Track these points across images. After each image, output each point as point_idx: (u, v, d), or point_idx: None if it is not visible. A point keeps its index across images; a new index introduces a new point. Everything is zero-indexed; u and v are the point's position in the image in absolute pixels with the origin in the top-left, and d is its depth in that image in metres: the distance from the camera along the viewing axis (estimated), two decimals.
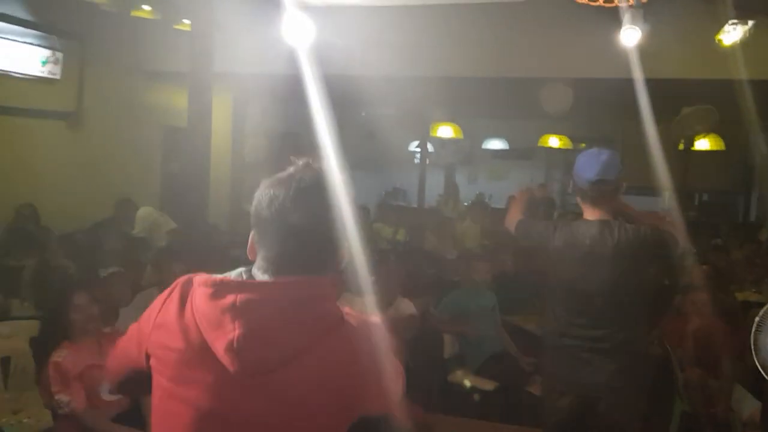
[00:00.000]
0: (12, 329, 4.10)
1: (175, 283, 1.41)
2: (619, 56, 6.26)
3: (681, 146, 8.37)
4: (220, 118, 7.21)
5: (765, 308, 3.08)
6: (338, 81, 5.90)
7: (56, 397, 3.07)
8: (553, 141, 10.74)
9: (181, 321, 1.34)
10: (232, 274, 1.39)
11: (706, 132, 7.51)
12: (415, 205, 8.95)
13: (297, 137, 10.72)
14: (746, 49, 5.36)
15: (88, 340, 3.29)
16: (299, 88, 7.58)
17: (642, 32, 4.73)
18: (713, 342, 4.18)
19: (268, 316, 1.29)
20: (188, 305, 1.35)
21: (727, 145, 8.41)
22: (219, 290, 1.31)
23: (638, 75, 6.31)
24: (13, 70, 6.47)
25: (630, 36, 4.09)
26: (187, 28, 5.78)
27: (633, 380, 2.91)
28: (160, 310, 1.40)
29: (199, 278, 1.35)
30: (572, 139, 11.24)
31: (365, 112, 9.66)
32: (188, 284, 1.39)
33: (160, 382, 1.38)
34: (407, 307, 4.39)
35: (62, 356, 3.17)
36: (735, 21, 5.08)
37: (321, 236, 1.36)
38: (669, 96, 6.31)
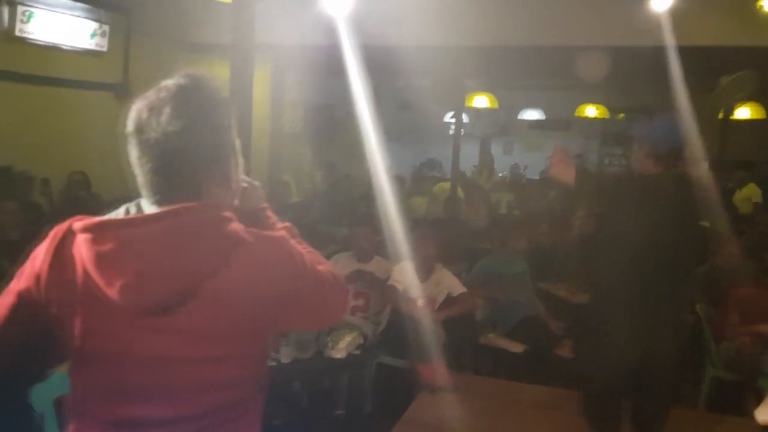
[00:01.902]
0: None
1: (53, 234, 1.31)
2: (658, 24, 6.24)
3: (720, 115, 8.27)
4: (259, 90, 7.37)
5: None
6: (374, 52, 6.02)
7: None
8: (590, 110, 10.66)
9: (71, 271, 1.25)
10: (120, 212, 1.33)
11: (746, 99, 7.41)
12: (449, 176, 9.04)
13: (333, 109, 10.89)
14: None
15: None
16: (336, 59, 7.73)
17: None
18: (750, 307, 4.26)
19: (158, 250, 1.20)
20: (72, 255, 1.25)
21: None
22: (101, 233, 1.22)
23: (677, 43, 6.29)
24: (63, 43, 6.71)
25: (669, 3, 4.11)
26: (229, 0, 5.93)
27: (675, 343, 2.96)
28: (45, 266, 1.28)
29: (78, 224, 1.25)
30: (609, 108, 11.15)
31: (400, 84, 9.72)
32: (69, 232, 1.28)
33: (66, 338, 1.29)
34: (450, 280, 4.52)
35: None
36: None
37: (190, 153, 1.25)
38: (708, 64, 6.27)
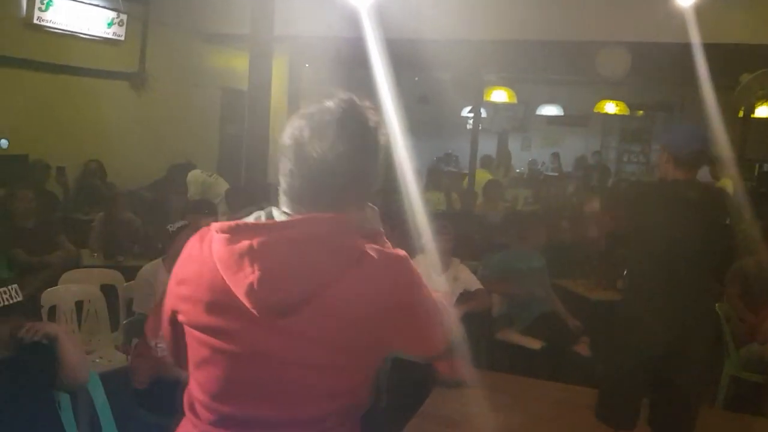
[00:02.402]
0: (84, 275, 4.35)
1: (192, 237, 1.41)
2: (680, 20, 6.15)
3: (741, 113, 8.15)
4: (276, 80, 7.36)
5: None
6: (394, 44, 5.96)
7: (159, 339, 3.18)
8: (610, 107, 10.55)
9: (204, 270, 1.33)
10: (251, 217, 1.36)
11: (766, 97, 7.29)
12: (466, 171, 8.98)
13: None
14: None
15: None
16: (355, 51, 7.66)
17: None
18: None
19: (285, 256, 1.26)
20: (207, 253, 1.33)
21: None
22: (235, 235, 1.29)
23: (698, 40, 6.19)
24: (81, 31, 6.72)
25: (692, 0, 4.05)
26: None
27: (705, 341, 2.99)
28: (180, 265, 1.40)
29: (216, 225, 1.33)
30: (629, 105, 11.02)
31: (418, 77, 9.67)
32: (204, 233, 1.38)
33: (191, 333, 1.38)
34: (467, 276, 4.47)
35: None
36: None
37: (343, 174, 1.30)
38: (729, 62, 6.16)
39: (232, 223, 1.31)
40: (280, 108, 9.04)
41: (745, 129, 7.50)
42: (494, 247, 5.73)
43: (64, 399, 2.69)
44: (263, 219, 1.35)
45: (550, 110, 11.56)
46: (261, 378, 1.32)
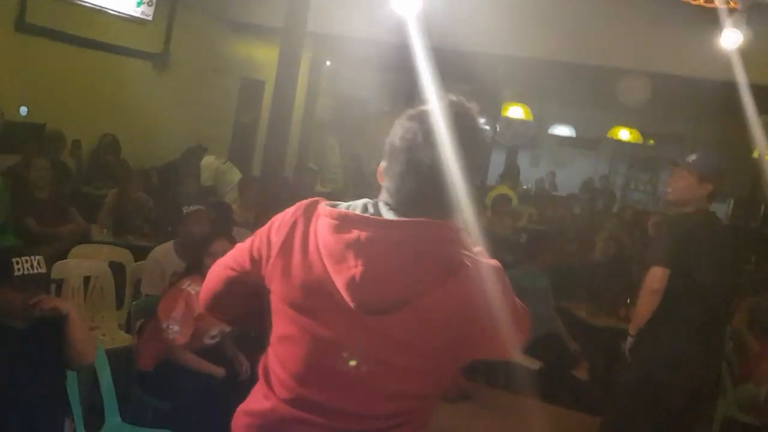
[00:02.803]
0: (94, 251, 4.36)
1: (296, 207, 1.40)
2: (702, 56, 6.17)
3: (756, 154, 8.16)
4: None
5: None
6: (417, 51, 5.97)
7: (171, 322, 3.22)
8: (624, 133, 10.58)
9: (305, 249, 1.34)
10: (358, 206, 1.36)
11: None
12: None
13: (367, 103, 10.88)
14: None
15: None
16: (376, 53, 7.67)
17: (736, 36, 4.67)
18: None
19: (390, 256, 1.27)
20: (312, 234, 1.34)
21: None
22: (343, 223, 1.30)
23: (720, 76, 6.21)
24: (110, 7, 6.72)
25: (729, 39, 4.08)
26: None
27: (716, 377, 3.10)
28: (282, 235, 1.38)
29: (324, 208, 1.34)
30: (642, 133, 11.06)
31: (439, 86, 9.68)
32: (311, 209, 1.37)
33: (280, 307, 1.39)
34: None
35: (195, 291, 3.27)
36: None
37: (449, 178, 1.29)
38: (749, 101, 6.16)
39: (342, 210, 1.32)
40: (297, 103, 9.07)
41: (758, 170, 7.53)
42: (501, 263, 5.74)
43: (71, 376, 2.71)
44: (371, 211, 1.34)
45: (563, 130, 11.60)
46: (340, 368, 1.32)
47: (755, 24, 4.34)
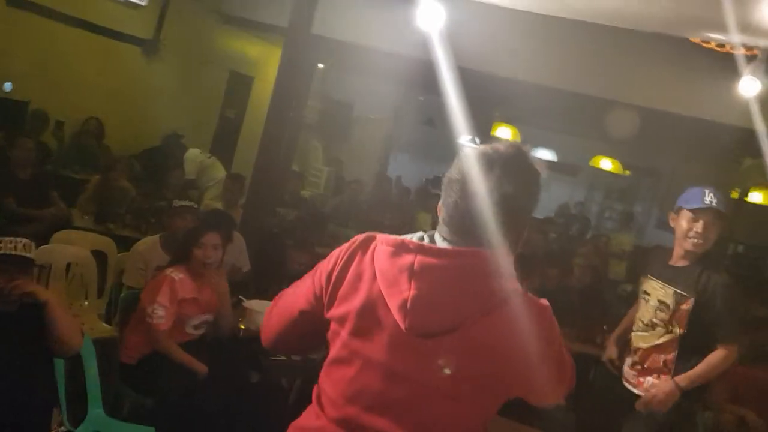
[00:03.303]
0: (77, 238, 4.24)
1: (353, 240, 1.48)
2: (688, 94, 6.29)
3: (735, 194, 8.35)
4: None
5: None
6: (409, 62, 5.96)
7: (156, 306, 3.20)
8: (605, 163, 10.73)
9: (363, 276, 1.41)
10: (415, 237, 1.44)
11: (764, 186, 7.51)
12: None
13: (352, 108, 10.84)
14: None
15: (201, 277, 3.41)
16: (366, 59, 7.63)
17: (725, 78, 4.75)
18: (743, 388, 4.27)
19: (441, 282, 1.34)
20: (368, 261, 1.42)
21: None
22: (399, 250, 1.37)
23: (704, 116, 6.34)
24: None
25: (747, 86, 4.11)
26: None
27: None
28: (338, 262, 1.46)
29: (382, 237, 1.43)
30: (624, 165, 11.23)
31: (426, 98, 9.71)
32: (368, 242, 1.45)
33: (336, 330, 1.44)
34: None
35: (179, 277, 3.31)
36: None
37: (506, 214, 1.36)
38: (732, 143, 6.31)
39: (399, 238, 1.40)
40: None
41: (736, 210, 7.70)
42: None
43: (58, 364, 2.63)
44: (426, 241, 1.41)
45: (545, 154, 11.70)
46: (388, 390, 1.37)
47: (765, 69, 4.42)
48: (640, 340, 3.12)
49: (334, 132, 10.41)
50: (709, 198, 2.88)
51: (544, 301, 1.43)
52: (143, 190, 5.62)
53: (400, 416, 1.37)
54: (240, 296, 3.71)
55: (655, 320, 3.04)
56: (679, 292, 2.95)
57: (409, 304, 1.32)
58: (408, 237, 1.43)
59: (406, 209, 7.73)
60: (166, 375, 3.19)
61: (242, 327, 3.49)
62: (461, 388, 1.36)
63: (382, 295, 1.36)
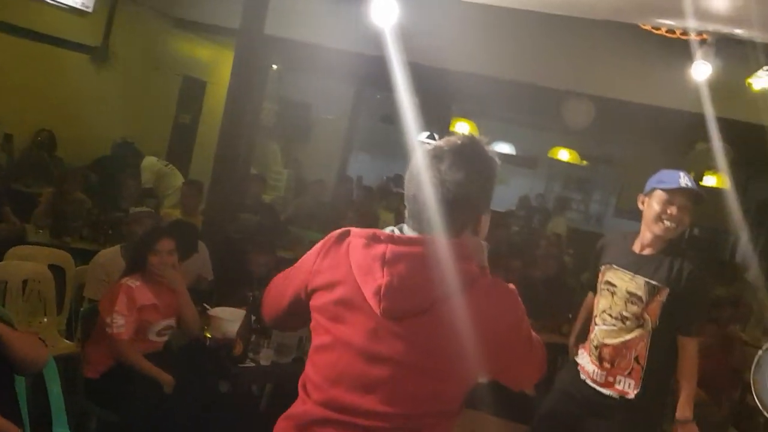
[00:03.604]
0: (33, 253, 4.11)
1: (329, 236, 1.58)
2: (641, 82, 6.40)
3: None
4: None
5: (765, 347, 3.19)
6: (365, 60, 5.94)
7: (114, 316, 3.13)
8: (563, 154, 10.86)
9: (339, 267, 1.51)
10: (387, 230, 1.53)
11: (717, 170, 7.68)
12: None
13: (310, 108, 10.78)
14: None
15: (159, 283, 3.36)
16: (322, 59, 7.58)
17: (676, 64, 4.85)
18: (712, 380, 4.21)
19: (411, 268, 1.44)
20: (343, 254, 1.51)
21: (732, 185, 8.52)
22: (371, 241, 1.47)
23: (657, 103, 6.45)
24: None
25: (698, 71, 4.17)
26: None
27: None
28: (317, 258, 1.56)
29: (356, 230, 1.53)
30: (581, 155, 11.38)
31: (385, 96, 9.69)
32: (343, 236, 1.55)
33: (316, 318, 1.55)
34: None
35: (135, 285, 3.26)
36: None
37: (461, 200, 1.45)
38: (684, 129, 6.42)
39: (371, 231, 1.50)
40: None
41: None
42: None
43: (19, 383, 2.53)
44: (396, 233, 1.52)
45: (503, 148, 11.78)
46: (369, 371, 1.47)
47: (721, 55, 4.50)
48: (607, 335, 2.88)
49: (293, 133, 10.33)
50: (684, 180, 2.72)
51: (511, 285, 1.52)
52: (99, 201, 5.47)
53: (380, 394, 1.46)
54: (204, 304, 3.64)
55: (625, 313, 2.83)
56: (652, 282, 2.77)
57: (383, 290, 1.42)
58: (382, 230, 1.53)
59: (368, 208, 7.69)
60: (131, 388, 3.11)
61: (208, 336, 3.43)
62: (436, 366, 1.45)
63: (358, 284, 1.46)
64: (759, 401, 3.13)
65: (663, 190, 2.75)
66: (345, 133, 9.72)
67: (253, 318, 3.29)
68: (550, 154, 10.94)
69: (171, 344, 3.44)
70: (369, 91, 9.48)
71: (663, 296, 2.75)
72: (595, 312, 2.96)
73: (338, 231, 1.57)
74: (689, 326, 2.80)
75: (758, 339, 5.30)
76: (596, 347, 2.91)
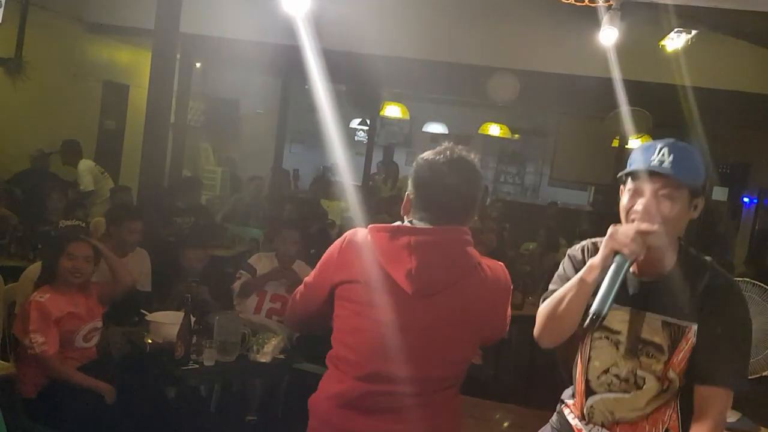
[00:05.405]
0: None
1: (343, 237, 1.87)
2: (561, 52, 6.55)
3: (615, 143, 8.79)
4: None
5: None
6: (289, 51, 5.90)
7: (32, 336, 3.05)
8: (494, 129, 11.03)
9: (360, 259, 1.81)
10: (400, 223, 1.85)
11: (639, 134, 7.92)
12: (353, 183, 9.05)
13: (239, 104, 10.65)
14: (687, 57, 5.71)
15: (71, 289, 3.28)
16: (246, 53, 7.49)
17: (591, 32, 4.98)
18: None
19: (434, 252, 1.77)
20: (363, 248, 1.81)
21: None
22: (396, 233, 1.79)
23: (578, 72, 6.62)
24: None
25: (606, 36, 4.29)
26: None
27: None
28: (338, 255, 1.86)
29: (376, 226, 1.83)
30: (511, 129, 11.59)
31: (311, 85, 9.65)
32: (357, 234, 1.85)
33: (345, 305, 1.83)
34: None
35: (45, 298, 3.16)
36: (680, 29, 5.37)
37: (468, 195, 1.83)
38: (604, 96, 6.59)
39: (392, 225, 1.82)
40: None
41: (618, 157, 8.08)
42: None
43: None
44: (408, 226, 1.83)
45: (436, 128, 11.89)
46: (404, 342, 1.76)
47: (627, 20, 4.62)
48: (619, 407, 1.87)
49: (223, 131, 10.20)
50: (658, 156, 1.74)
51: (500, 263, 1.91)
52: (24, 216, 5.30)
53: (415, 360, 1.76)
54: (142, 310, 3.59)
55: (639, 372, 1.84)
56: (674, 321, 1.80)
57: (414, 272, 1.74)
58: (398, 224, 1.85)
59: (307, 200, 7.68)
60: (69, 402, 3.05)
61: (149, 341, 3.38)
62: (459, 331, 1.81)
63: (383, 270, 1.77)
64: None
65: (628, 175, 1.80)
66: (276, 126, 9.65)
67: (193, 319, 3.26)
68: (481, 131, 11.11)
69: (110, 352, 3.38)
70: (296, 81, 9.41)
71: (690, 338, 1.79)
72: (590, 374, 1.92)
73: (351, 231, 1.87)
74: (723, 372, 1.76)
75: None
76: (601, 423, 1.90)
